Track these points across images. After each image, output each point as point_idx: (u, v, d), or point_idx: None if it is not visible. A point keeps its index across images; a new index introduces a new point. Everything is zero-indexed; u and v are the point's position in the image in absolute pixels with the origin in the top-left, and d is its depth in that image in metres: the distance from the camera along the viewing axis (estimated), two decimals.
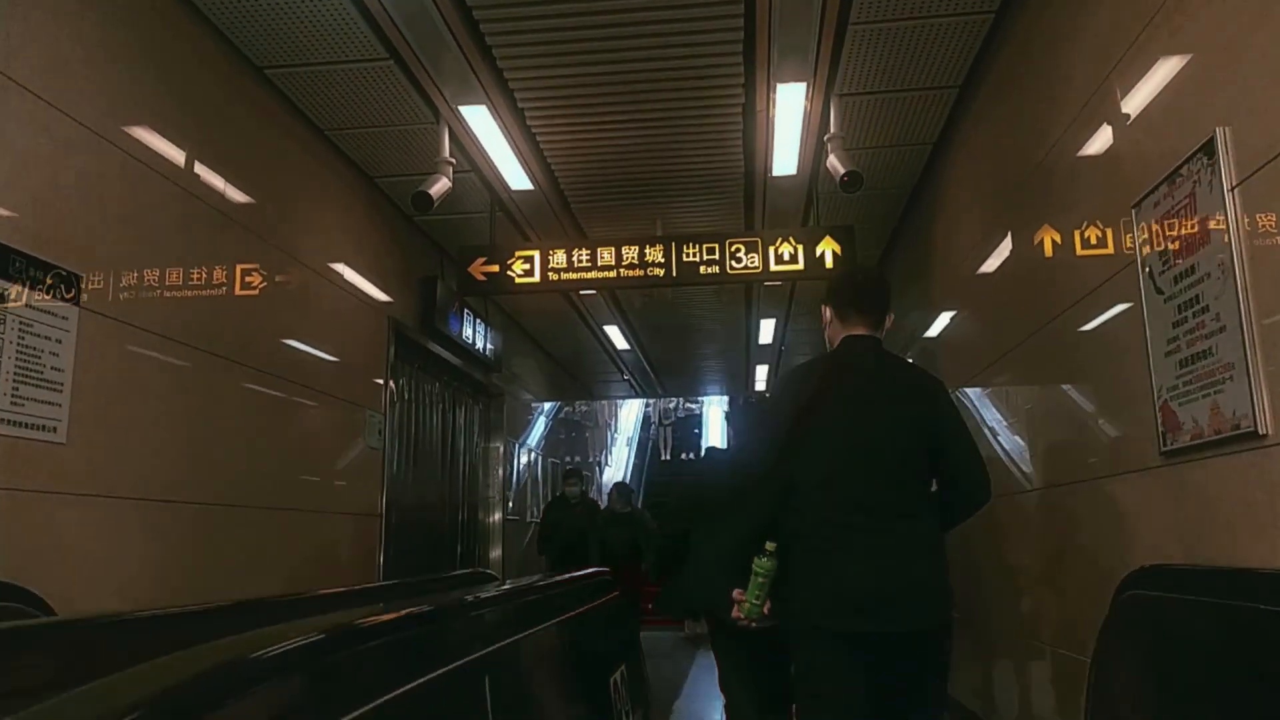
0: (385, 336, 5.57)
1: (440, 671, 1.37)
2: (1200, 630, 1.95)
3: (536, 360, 10.17)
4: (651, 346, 10.42)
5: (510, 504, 8.54)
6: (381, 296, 5.58)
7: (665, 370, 11.94)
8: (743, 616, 2.44)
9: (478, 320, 7.27)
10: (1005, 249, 4.11)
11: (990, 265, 4.34)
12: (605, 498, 15.66)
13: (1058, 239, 3.33)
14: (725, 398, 17.71)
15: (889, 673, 2.25)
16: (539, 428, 10.15)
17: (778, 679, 2.87)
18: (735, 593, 2.44)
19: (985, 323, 4.62)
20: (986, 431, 4.68)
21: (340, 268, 5.02)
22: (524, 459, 9.30)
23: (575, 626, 1.81)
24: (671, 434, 18.05)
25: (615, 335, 9.58)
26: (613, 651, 1.90)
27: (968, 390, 4.99)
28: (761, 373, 11.92)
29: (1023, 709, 3.97)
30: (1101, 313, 2.94)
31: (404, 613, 1.46)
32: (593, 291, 7.84)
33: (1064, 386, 3.43)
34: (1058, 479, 3.55)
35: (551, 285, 5.53)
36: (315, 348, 4.67)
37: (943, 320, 5.55)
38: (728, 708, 3.20)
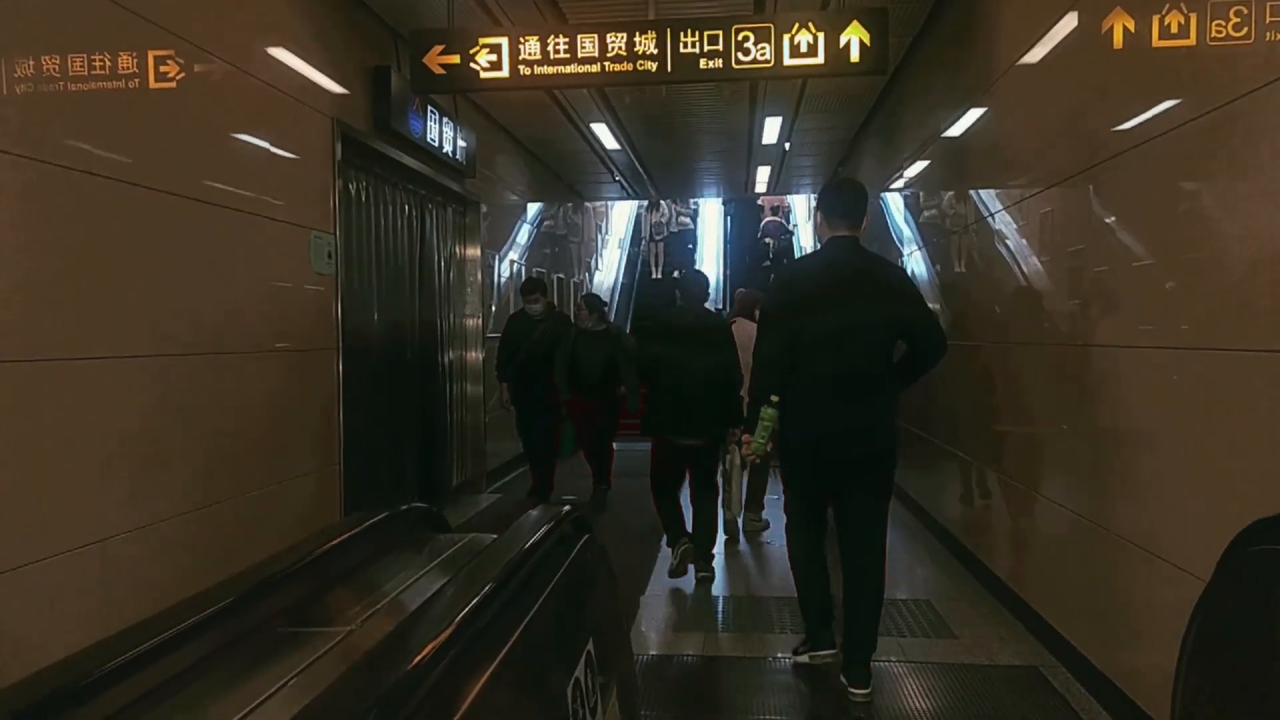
0: (329, 142, 4.75)
1: None
2: None
3: (519, 162, 9.25)
4: (643, 146, 9.48)
5: (492, 321, 7.97)
6: (323, 93, 4.70)
7: (659, 171, 11.03)
8: (750, 453, 3.52)
9: (445, 119, 6.36)
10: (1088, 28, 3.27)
11: (1068, 49, 3.50)
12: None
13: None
14: (720, 201, 16.78)
15: (843, 484, 3.44)
16: (523, 235, 9.41)
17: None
18: (743, 436, 3.55)
19: (1053, 123, 3.83)
20: (1028, 265, 4.02)
21: (269, 59, 4.13)
22: (506, 271, 8.64)
23: (532, 632, 1.24)
24: (664, 250, 16.48)
25: (604, 134, 8.64)
26: (576, 641, 1.33)
27: (1007, 211, 4.27)
28: (763, 175, 11.02)
29: None
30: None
31: None
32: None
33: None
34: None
35: (523, 82, 4.65)
36: (237, 161, 3.89)
37: (983, 118, 4.73)
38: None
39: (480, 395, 7.54)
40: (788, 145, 9.31)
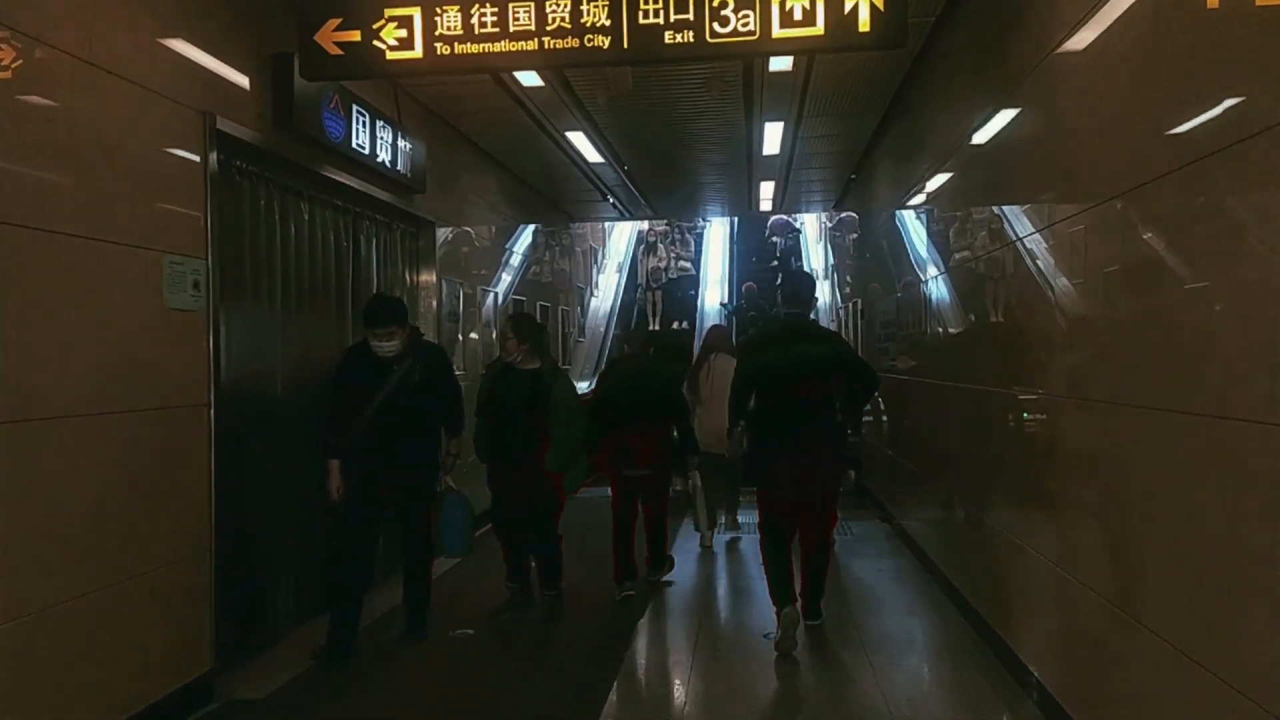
0: (198, 144, 3.76)
1: None
2: None
3: (492, 179, 8.28)
4: (630, 159, 8.48)
5: (463, 361, 6.96)
6: (191, 82, 3.72)
7: (651, 188, 10.03)
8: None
9: (380, 122, 5.38)
10: None
11: None
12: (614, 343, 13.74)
13: None
14: (726, 240, 15.38)
15: (800, 485, 4.53)
16: (499, 260, 8.41)
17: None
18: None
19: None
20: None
21: (107, 38, 3.15)
22: (482, 300, 7.64)
23: None
24: (662, 298, 14.64)
25: (583, 145, 7.65)
26: None
27: (1047, 231, 3.20)
28: (766, 191, 10.00)
29: None
30: None
31: None
32: (540, 84, 5.90)
33: None
34: None
35: (442, 63, 3.67)
36: (55, 167, 2.91)
37: (1033, 117, 3.68)
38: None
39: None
40: (793, 157, 8.28)
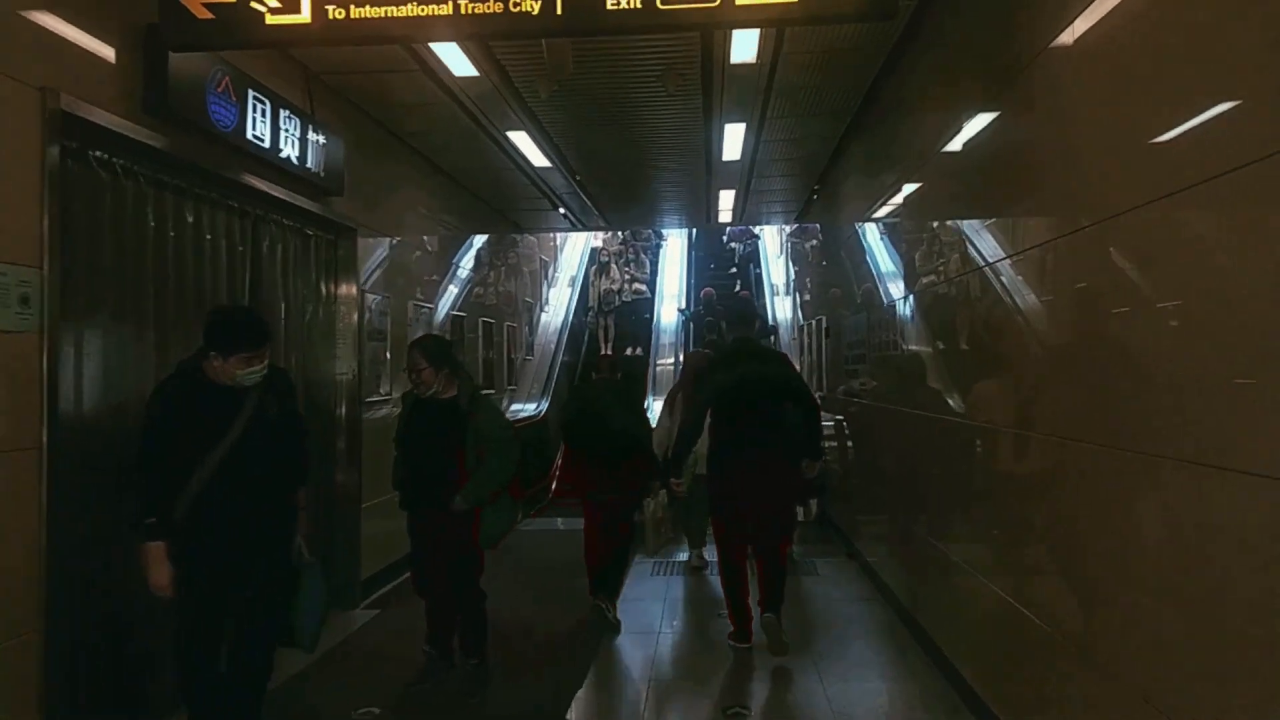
0: (31, 127, 3.05)
1: None
2: None
3: (431, 184, 7.59)
4: (580, 165, 7.85)
5: (383, 384, 6.25)
6: (28, 53, 3.02)
7: (604, 196, 9.40)
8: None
9: (284, 111, 4.69)
10: None
11: None
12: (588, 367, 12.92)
13: None
14: (679, 301, 14.62)
15: (754, 504, 4.69)
16: (438, 272, 7.73)
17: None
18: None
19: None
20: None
21: None
22: (413, 315, 6.94)
23: None
24: (615, 323, 13.61)
25: (527, 147, 7.00)
26: None
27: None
28: (726, 200, 9.43)
29: None
30: None
31: None
32: (474, 73, 5.26)
33: None
34: None
35: (335, 30, 3.01)
36: None
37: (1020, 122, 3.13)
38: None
39: (356, 483, 5.80)
40: (754, 162, 7.73)
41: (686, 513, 6.51)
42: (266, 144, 4.50)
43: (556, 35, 3.83)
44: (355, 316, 5.84)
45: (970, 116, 3.79)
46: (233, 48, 3.83)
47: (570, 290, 14.54)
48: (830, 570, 6.60)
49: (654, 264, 15.29)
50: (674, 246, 16.09)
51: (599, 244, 14.86)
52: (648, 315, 13.95)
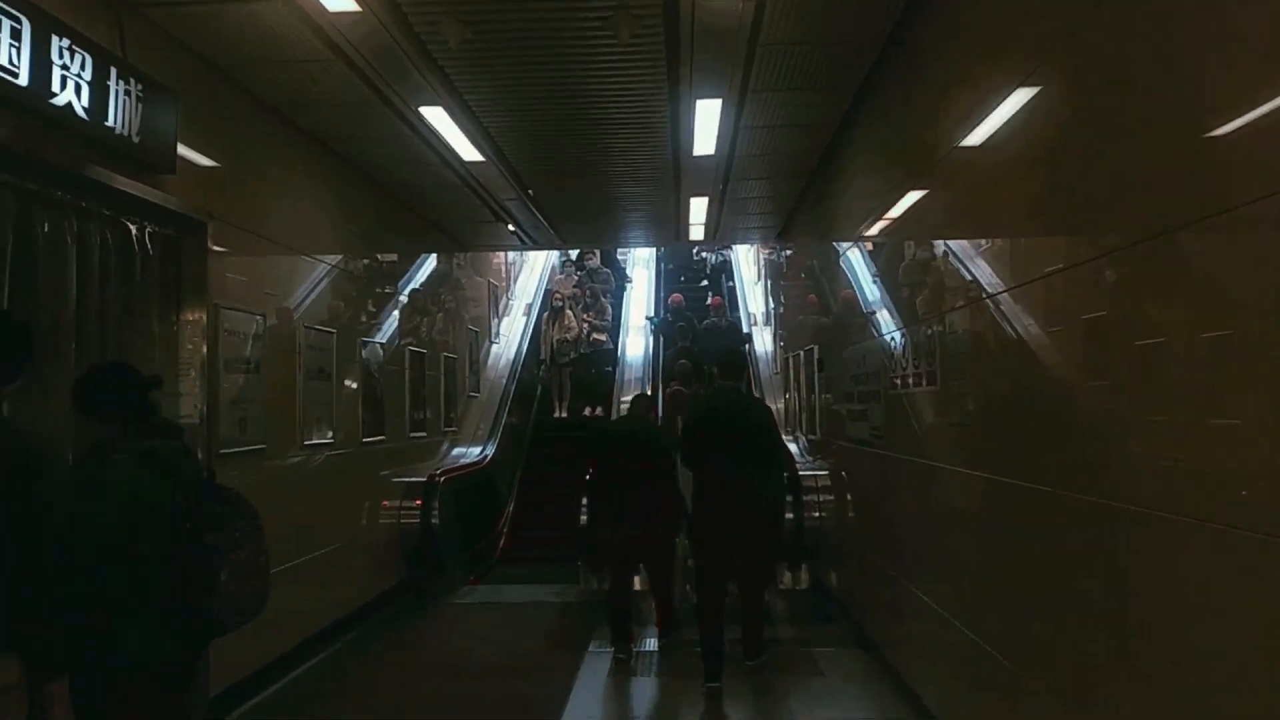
0: None
1: None
2: None
3: (337, 182, 6.17)
4: (519, 159, 6.44)
5: (249, 429, 4.76)
6: None
7: (555, 206, 8.00)
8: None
9: (61, 40, 3.23)
10: None
11: None
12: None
13: None
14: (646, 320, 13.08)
15: (739, 552, 4.92)
16: (346, 292, 6.27)
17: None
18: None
19: None
20: None
21: None
22: (301, 342, 5.46)
23: None
24: (570, 377, 11.65)
25: (449, 132, 5.58)
26: None
27: None
28: (697, 211, 8.06)
29: None
30: None
31: None
32: (354, 6, 3.86)
33: None
34: None
35: None
36: None
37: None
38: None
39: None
40: (733, 161, 6.38)
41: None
42: (21, 80, 3.04)
43: None
44: (202, 344, 4.36)
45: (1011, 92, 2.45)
46: None
47: (525, 319, 13.02)
48: (836, 668, 5.14)
49: (617, 308, 13.47)
50: (640, 278, 14.62)
51: (550, 283, 13.28)
52: (609, 368, 11.86)
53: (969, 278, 3.43)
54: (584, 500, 6.10)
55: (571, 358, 11.58)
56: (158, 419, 2.82)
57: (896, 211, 4.54)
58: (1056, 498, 2.65)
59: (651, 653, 5.57)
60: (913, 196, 4.26)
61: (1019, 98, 2.87)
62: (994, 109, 3.05)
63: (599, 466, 5.75)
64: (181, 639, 2.58)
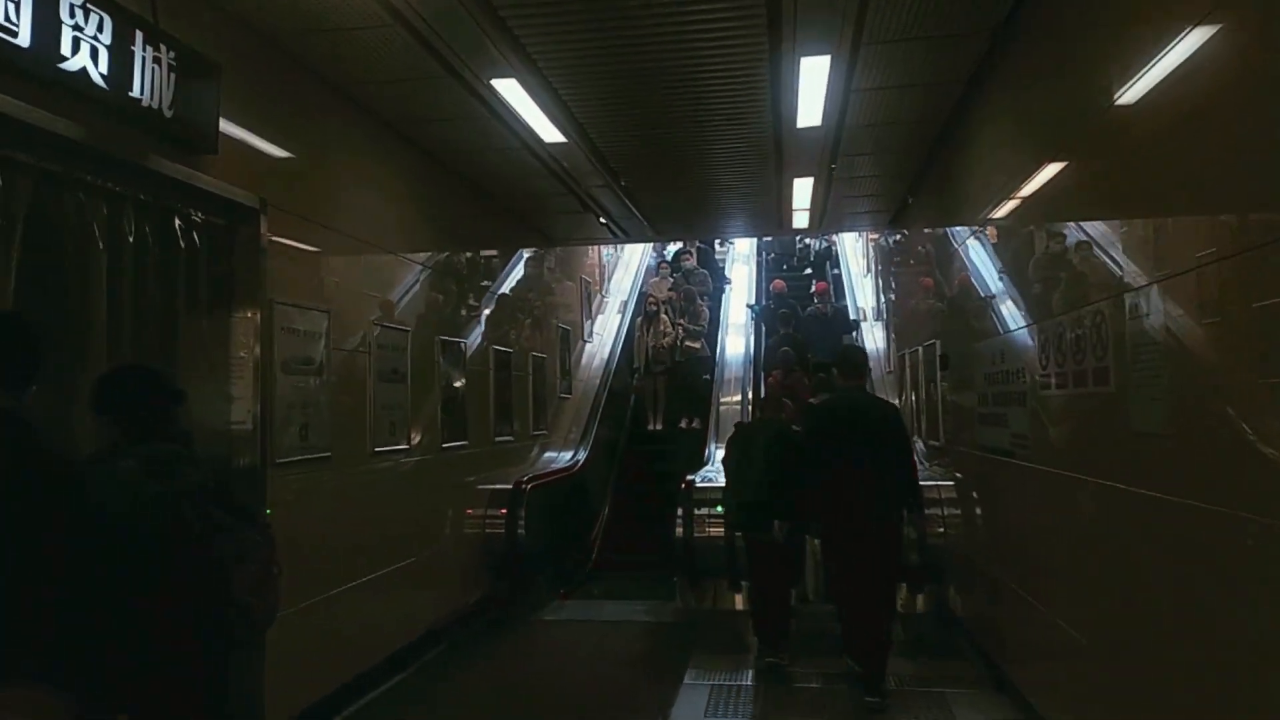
0: None
1: None
2: None
3: (414, 174, 5.78)
4: (602, 138, 5.89)
5: (312, 435, 4.37)
6: None
7: (645, 192, 7.44)
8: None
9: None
10: None
11: None
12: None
13: None
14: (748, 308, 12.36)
15: (868, 548, 4.75)
16: (454, 297, 5.87)
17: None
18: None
19: None
20: None
21: None
22: (390, 343, 5.08)
23: None
24: (665, 386, 10.74)
25: (525, 107, 5.07)
26: None
27: None
28: (801, 194, 7.36)
29: None
30: None
31: None
32: None
33: None
34: None
35: None
36: None
37: None
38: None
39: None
40: (842, 130, 5.69)
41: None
42: (22, 42, 2.66)
43: None
44: (255, 344, 3.97)
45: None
46: None
47: (620, 316, 12.48)
48: (969, 711, 4.41)
49: (715, 310, 12.57)
50: (739, 275, 13.83)
51: (646, 286, 12.59)
52: (707, 377, 11.00)
53: (1162, 246, 2.68)
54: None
55: (666, 366, 10.91)
56: (175, 428, 2.60)
57: (1047, 185, 3.79)
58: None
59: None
60: (1073, 166, 3.51)
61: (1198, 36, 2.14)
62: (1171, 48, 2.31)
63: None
64: (198, 649, 2.40)
